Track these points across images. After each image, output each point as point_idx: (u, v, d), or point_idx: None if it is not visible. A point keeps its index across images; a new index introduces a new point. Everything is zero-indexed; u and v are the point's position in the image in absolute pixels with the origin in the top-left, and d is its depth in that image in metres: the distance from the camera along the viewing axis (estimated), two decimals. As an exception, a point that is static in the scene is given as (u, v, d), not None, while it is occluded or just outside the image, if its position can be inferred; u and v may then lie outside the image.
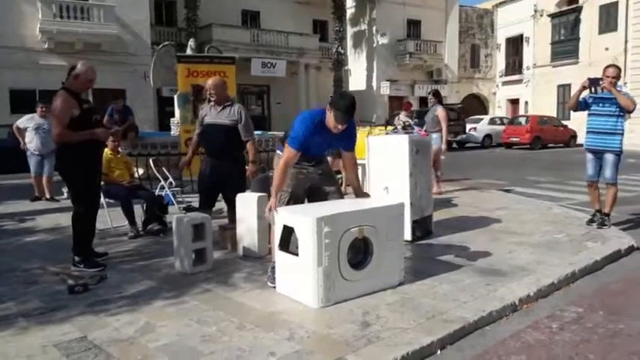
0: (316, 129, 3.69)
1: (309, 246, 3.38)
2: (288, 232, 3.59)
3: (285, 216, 3.63)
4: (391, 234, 3.76)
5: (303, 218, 3.47)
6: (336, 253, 3.43)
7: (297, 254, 3.52)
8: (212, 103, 5.14)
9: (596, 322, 3.36)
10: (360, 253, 3.66)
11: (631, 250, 5.02)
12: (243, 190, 5.13)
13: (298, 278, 3.54)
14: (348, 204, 3.86)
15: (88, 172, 4.41)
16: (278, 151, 4.03)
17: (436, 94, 8.80)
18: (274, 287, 3.80)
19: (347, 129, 3.76)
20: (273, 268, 3.92)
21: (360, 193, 4.03)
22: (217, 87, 5.11)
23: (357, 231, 3.53)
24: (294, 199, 3.95)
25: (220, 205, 7.55)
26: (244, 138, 5.18)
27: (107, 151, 5.73)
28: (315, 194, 4.06)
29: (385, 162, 5.32)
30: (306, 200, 4.10)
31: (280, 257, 3.69)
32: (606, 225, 5.73)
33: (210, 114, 5.15)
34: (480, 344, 3.06)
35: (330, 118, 3.64)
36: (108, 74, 17.51)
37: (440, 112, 8.44)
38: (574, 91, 6.62)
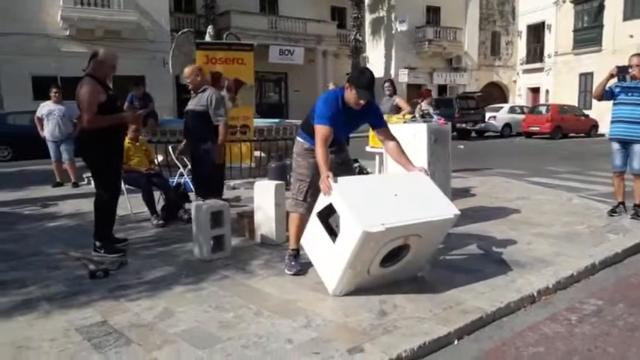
0: (339, 106, 3.67)
1: (348, 249, 3.19)
2: (331, 209, 3.37)
3: (334, 195, 3.32)
4: (433, 241, 3.64)
5: (351, 221, 3.16)
6: (372, 258, 3.31)
7: (334, 235, 3.36)
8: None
9: (616, 315, 3.32)
10: (392, 253, 3.46)
11: (653, 242, 4.94)
12: (209, 170, 5.44)
13: (325, 260, 3.44)
14: (402, 197, 3.42)
15: (112, 157, 4.46)
16: (299, 138, 4.01)
17: (393, 83, 8.55)
18: (291, 274, 3.83)
19: (368, 105, 3.72)
20: (291, 255, 3.94)
21: (411, 169, 3.75)
22: (191, 75, 5.47)
23: (402, 240, 3.37)
24: (314, 187, 3.93)
25: (238, 192, 7.62)
26: (214, 122, 5.41)
27: (126, 139, 5.78)
28: None
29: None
30: None
31: (316, 223, 3.51)
32: (639, 217, 5.64)
33: (191, 101, 5.56)
34: (498, 335, 3.05)
35: (351, 95, 3.61)
36: (127, 61, 17.64)
37: (399, 100, 8.16)
38: (597, 79, 6.52)
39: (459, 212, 3.55)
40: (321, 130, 3.60)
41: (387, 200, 3.38)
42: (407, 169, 3.78)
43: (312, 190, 3.88)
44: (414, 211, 3.36)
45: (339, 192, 3.33)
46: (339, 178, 3.42)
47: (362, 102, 3.63)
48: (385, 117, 7.18)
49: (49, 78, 18.14)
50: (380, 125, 3.93)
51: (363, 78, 3.60)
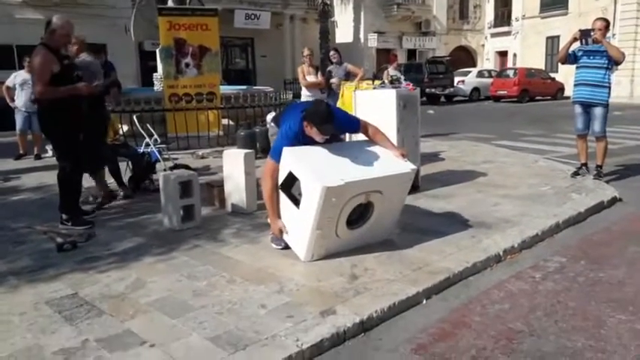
0: (300, 141, 3.58)
1: (312, 209, 3.28)
2: (292, 178, 3.45)
3: (292, 163, 3.44)
4: (395, 198, 3.69)
5: (311, 181, 3.27)
6: (336, 216, 3.37)
7: (297, 202, 3.43)
8: None
9: (578, 272, 3.45)
10: (358, 213, 3.56)
11: (614, 201, 5.12)
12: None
13: (294, 227, 3.51)
14: (359, 159, 3.54)
15: (71, 129, 4.33)
16: (272, 124, 3.95)
17: (338, 51, 8.53)
18: (281, 248, 3.71)
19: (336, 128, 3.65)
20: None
21: (393, 152, 3.75)
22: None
23: (363, 197, 3.44)
24: None
25: (207, 161, 7.54)
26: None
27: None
28: None
29: (373, 117, 5.24)
30: None
31: (281, 197, 3.58)
32: (602, 177, 5.82)
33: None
34: (465, 294, 3.15)
35: (313, 133, 3.50)
36: (87, 28, 16.83)
37: (350, 66, 8.18)
38: (563, 43, 6.58)
39: (415, 167, 3.70)
40: (269, 166, 3.59)
41: (344, 161, 3.48)
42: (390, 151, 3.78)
43: None
44: (371, 169, 3.49)
45: (297, 158, 3.42)
46: (295, 147, 3.49)
47: (327, 136, 3.55)
48: (347, 84, 7.15)
49: (4, 47, 17.40)
50: (356, 129, 3.88)
51: (319, 114, 3.46)
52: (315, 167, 3.36)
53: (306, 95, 8.08)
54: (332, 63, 8.41)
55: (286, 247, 3.69)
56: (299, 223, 3.44)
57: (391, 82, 6.09)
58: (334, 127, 3.54)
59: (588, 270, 3.48)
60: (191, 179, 4.38)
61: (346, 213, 3.42)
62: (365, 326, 2.70)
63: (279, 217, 3.65)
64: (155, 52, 10.52)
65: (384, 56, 25.05)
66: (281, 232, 3.64)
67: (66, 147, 4.34)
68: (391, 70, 9.25)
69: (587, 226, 4.48)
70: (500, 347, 2.53)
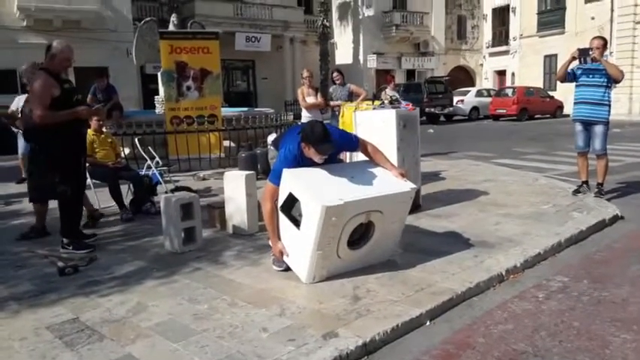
0: (299, 163, 3.59)
1: (312, 230, 3.27)
2: (292, 199, 3.45)
3: (291, 184, 3.44)
4: (396, 218, 3.68)
5: (310, 201, 3.29)
6: (337, 237, 3.36)
7: (298, 223, 3.43)
8: None
9: (581, 291, 3.43)
10: (359, 233, 3.56)
11: (615, 219, 5.11)
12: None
13: (295, 249, 3.51)
14: (359, 178, 3.57)
15: (71, 151, 4.33)
16: (272, 147, 3.99)
17: (341, 72, 8.52)
18: (281, 270, 3.70)
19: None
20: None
21: (392, 172, 3.75)
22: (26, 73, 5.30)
23: (364, 217, 3.44)
24: None
25: (209, 183, 7.56)
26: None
27: (90, 131, 5.65)
28: None
29: (373, 137, 5.27)
30: None
31: (281, 218, 3.59)
32: (603, 195, 5.82)
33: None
34: (468, 315, 3.12)
35: (312, 153, 3.49)
36: (89, 52, 17.19)
37: (354, 87, 8.24)
38: (561, 61, 6.65)
39: (415, 186, 3.71)
40: (268, 188, 3.62)
41: (343, 181, 3.50)
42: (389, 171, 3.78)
43: None
44: (371, 188, 3.51)
45: (296, 179, 3.43)
46: (295, 169, 3.52)
47: (325, 157, 3.55)
48: (347, 105, 7.16)
49: (7, 71, 17.53)
50: (355, 148, 3.91)
51: (315, 134, 3.43)
52: (314, 187, 3.37)
53: (306, 116, 8.13)
54: (335, 84, 8.45)
55: (287, 268, 3.67)
56: (300, 244, 3.44)
57: (391, 102, 6.13)
58: (332, 145, 3.53)
59: (592, 289, 3.45)
60: (192, 201, 4.38)
61: (347, 233, 3.42)
62: (368, 349, 2.68)
63: (279, 239, 3.65)
64: (157, 75, 10.63)
65: (384, 76, 25.24)
66: (282, 253, 3.63)
67: (65, 170, 4.33)
68: (389, 91, 9.32)
69: (589, 245, 4.46)
70: (504, 369, 2.51)
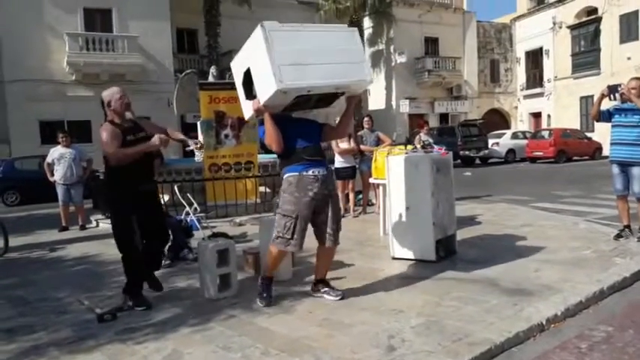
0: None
1: (262, 51, 3.87)
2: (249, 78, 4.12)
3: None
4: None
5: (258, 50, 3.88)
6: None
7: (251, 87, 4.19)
8: None
9: (626, 342, 3.28)
10: None
11: (661, 265, 4.91)
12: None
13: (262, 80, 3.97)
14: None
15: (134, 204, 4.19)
16: (282, 175, 4.18)
17: (371, 118, 9.03)
18: (264, 306, 4.02)
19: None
20: (264, 284, 4.13)
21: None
22: None
23: None
24: (301, 224, 3.94)
25: (245, 229, 7.65)
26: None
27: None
28: (314, 216, 4.05)
29: (406, 182, 5.33)
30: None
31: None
32: None
33: None
34: (507, 366, 3.03)
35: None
36: (133, 103, 17.88)
37: (381, 135, 8.73)
38: (597, 102, 6.55)
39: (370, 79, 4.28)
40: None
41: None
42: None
43: (300, 227, 3.93)
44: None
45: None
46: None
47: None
48: (380, 149, 7.42)
49: (56, 122, 18.50)
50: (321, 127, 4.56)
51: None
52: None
53: (339, 161, 8.27)
54: (363, 128, 8.71)
55: (269, 304, 4.00)
56: (261, 78, 3.87)
57: (423, 146, 6.16)
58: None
59: (637, 340, 3.30)
60: (228, 247, 4.45)
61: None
62: (403, 401, 2.62)
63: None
64: (196, 124, 11.01)
65: (417, 121, 25.35)
66: (269, 280, 4.10)
67: (120, 215, 4.24)
68: (423, 136, 9.37)
69: (634, 292, 4.28)
70: None
